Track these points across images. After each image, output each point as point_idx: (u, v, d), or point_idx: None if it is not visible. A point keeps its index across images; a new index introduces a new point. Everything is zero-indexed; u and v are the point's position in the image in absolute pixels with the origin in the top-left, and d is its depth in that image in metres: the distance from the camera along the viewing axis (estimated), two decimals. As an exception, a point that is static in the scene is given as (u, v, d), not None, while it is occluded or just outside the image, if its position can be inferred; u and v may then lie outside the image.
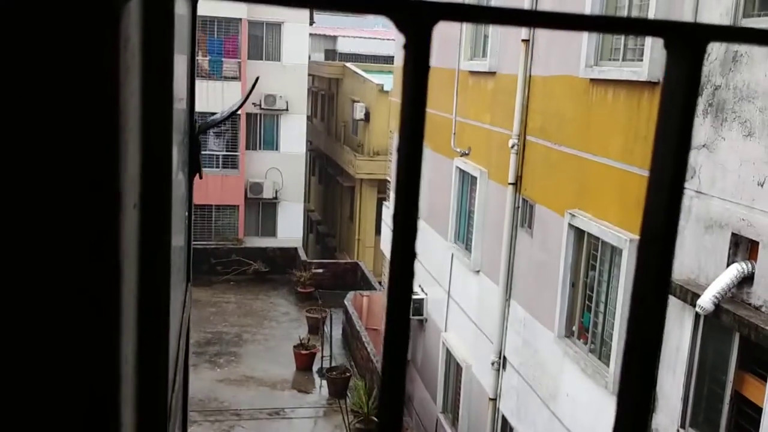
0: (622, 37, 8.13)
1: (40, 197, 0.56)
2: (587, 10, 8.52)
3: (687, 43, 0.43)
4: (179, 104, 1.67)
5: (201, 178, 2.08)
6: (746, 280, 6.05)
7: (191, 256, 2.24)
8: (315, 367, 17.74)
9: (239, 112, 25.03)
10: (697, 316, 6.55)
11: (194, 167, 2.00)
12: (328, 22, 43.91)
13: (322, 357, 17.60)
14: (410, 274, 0.43)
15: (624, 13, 8.11)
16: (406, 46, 0.40)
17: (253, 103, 25.84)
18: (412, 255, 0.43)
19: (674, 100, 0.45)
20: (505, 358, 10.88)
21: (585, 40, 8.54)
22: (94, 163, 0.57)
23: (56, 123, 0.55)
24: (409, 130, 0.42)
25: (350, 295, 19.83)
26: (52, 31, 0.52)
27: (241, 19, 25.24)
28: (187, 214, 2.02)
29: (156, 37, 0.80)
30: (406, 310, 0.44)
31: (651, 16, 7.29)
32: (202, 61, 25.20)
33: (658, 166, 0.46)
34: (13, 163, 0.55)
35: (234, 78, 25.31)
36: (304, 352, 17.64)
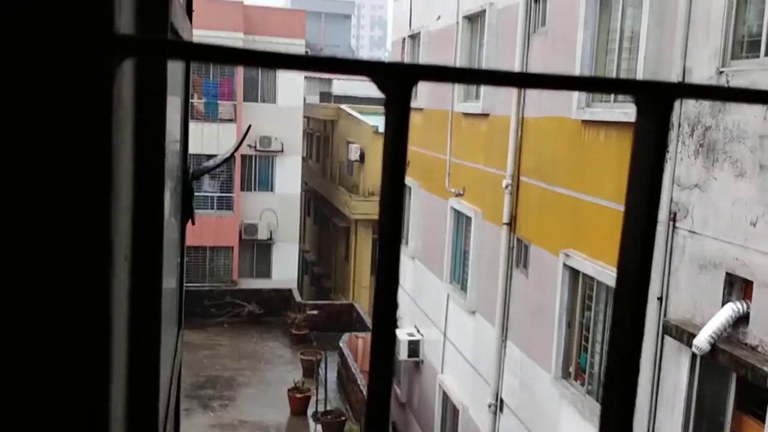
0: (614, 78, 8.24)
1: (31, 252, 0.56)
2: (578, 57, 8.65)
3: (655, 100, 0.44)
4: (172, 150, 1.69)
5: (194, 224, 2.08)
6: (742, 319, 6.03)
7: (183, 301, 2.22)
8: (310, 411, 17.50)
9: (234, 153, 25.14)
10: (693, 356, 6.51)
11: (187, 213, 2.01)
12: (323, 64, 44.37)
13: (317, 400, 17.38)
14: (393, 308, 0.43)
15: (615, 55, 8.24)
16: (386, 105, 0.42)
17: (248, 145, 25.98)
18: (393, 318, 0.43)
19: (644, 156, 0.46)
20: (502, 400, 10.77)
21: (576, 82, 8.66)
22: (84, 218, 0.57)
23: (46, 178, 0.56)
24: (390, 180, 0.43)
25: (345, 336, 19.68)
26: (46, 87, 0.53)
27: (237, 63, 25.50)
28: (179, 260, 2.02)
29: (149, 95, 0.82)
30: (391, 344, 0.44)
31: (641, 58, 7.41)
32: (198, 103, 25.41)
33: (630, 217, 0.47)
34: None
35: (229, 120, 25.51)
36: (298, 395, 17.43)
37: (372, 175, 25.23)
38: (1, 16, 0.50)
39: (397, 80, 0.41)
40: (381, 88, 0.42)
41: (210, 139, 24.63)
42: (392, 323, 0.44)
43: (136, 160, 0.81)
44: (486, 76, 0.43)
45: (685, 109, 6.77)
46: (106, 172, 0.57)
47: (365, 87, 36.28)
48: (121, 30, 0.62)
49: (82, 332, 0.60)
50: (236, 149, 3.72)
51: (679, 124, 6.85)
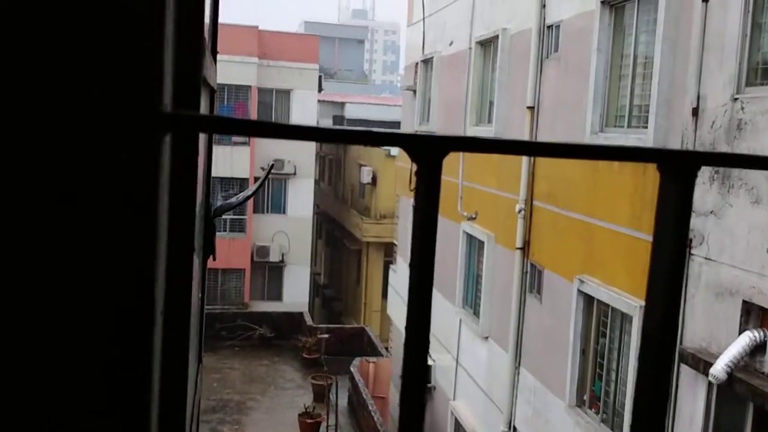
0: (627, 104, 8.23)
1: (85, 321, 0.60)
2: (591, 83, 8.64)
3: (679, 168, 0.42)
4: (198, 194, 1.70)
5: (215, 259, 2.09)
6: (759, 348, 5.94)
7: (203, 334, 2.21)
8: (320, 436, 17.36)
9: (248, 176, 25.29)
10: (710, 385, 6.41)
11: (209, 250, 2.01)
12: (336, 88, 44.78)
13: (328, 426, 17.24)
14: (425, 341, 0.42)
15: (628, 81, 8.22)
16: (417, 173, 0.44)
17: (261, 168, 26.11)
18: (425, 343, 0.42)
19: (667, 220, 0.44)
20: (515, 428, 10.63)
21: (590, 106, 8.65)
22: (132, 280, 0.61)
23: (101, 244, 0.60)
24: (419, 250, 0.43)
25: (356, 361, 19.56)
26: (104, 161, 0.59)
27: (250, 87, 25.77)
28: (200, 294, 2.01)
29: (182, 163, 0.84)
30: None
31: (654, 83, 7.39)
32: (212, 126, 25.62)
33: (653, 287, 0.45)
34: (52, 273, 0.59)
35: (243, 144, 25.68)
36: (309, 420, 17.30)
37: (384, 197, 25.25)
38: (61, 98, 0.56)
39: (428, 151, 0.45)
40: (413, 158, 0.43)
41: (224, 162, 24.78)
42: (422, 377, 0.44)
43: (170, 222, 0.84)
44: (511, 146, 0.43)
45: (700, 134, 6.73)
46: (153, 241, 0.61)
47: (378, 110, 36.47)
48: (164, 101, 0.66)
49: (126, 395, 0.62)
50: (259, 188, 3.76)
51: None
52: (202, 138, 1.70)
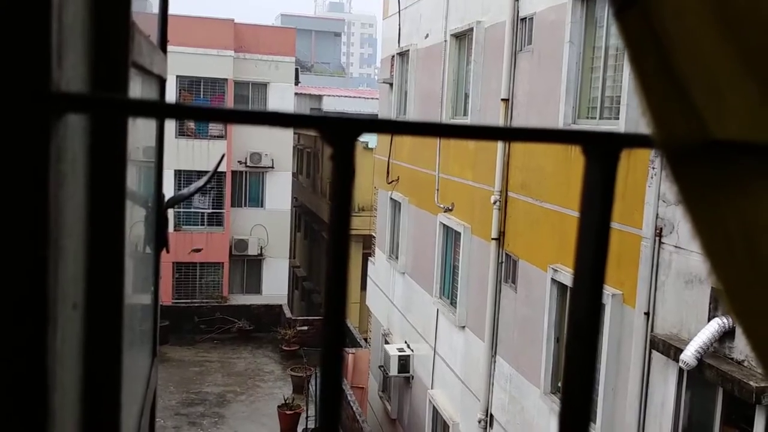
0: (599, 95, 8.35)
1: None
2: (564, 75, 8.75)
3: (603, 150, 0.48)
4: (145, 182, 1.72)
5: (168, 252, 2.12)
6: (728, 334, 6.09)
7: (158, 329, 2.24)
8: (300, 428, 17.41)
9: (225, 169, 25.17)
10: (680, 371, 6.56)
11: (161, 242, 2.03)
12: (313, 81, 44.61)
13: (307, 417, 17.30)
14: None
15: (600, 72, 8.34)
16: (332, 157, 0.46)
17: (239, 161, 26.00)
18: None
19: (592, 202, 0.50)
20: (491, 415, 10.77)
21: (563, 98, 8.76)
22: (20, 266, 0.57)
23: None
24: (336, 227, 0.46)
25: (336, 352, 19.57)
26: None
27: (227, 80, 25.61)
28: (153, 288, 2.04)
29: (105, 148, 0.85)
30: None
31: (626, 75, 7.50)
32: (188, 120, 25.40)
33: (580, 263, 0.51)
34: None
35: (220, 137, 25.53)
36: (288, 412, 17.34)
37: (362, 190, 25.26)
38: None
39: (341, 133, 0.44)
40: (326, 140, 0.45)
41: (201, 156, 24.63)
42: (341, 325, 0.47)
43: (91, 210, 0.83)
44: (423, 128, 0.47)
45: (670, 126, 6.86)
46: (41, 228, 0.57)
47: (355, 103, 36.41)
48: (67, 82, 0.63)
49: (21, 378, 0.58)
50: (210, 179, 3.78)
51: (664, 141, 6.93)
52: (146, 125, 1.71)
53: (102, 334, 0.89)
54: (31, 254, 0.57)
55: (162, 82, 1.99)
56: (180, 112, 0.43)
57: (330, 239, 0.46)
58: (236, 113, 0.42)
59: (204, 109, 0.44)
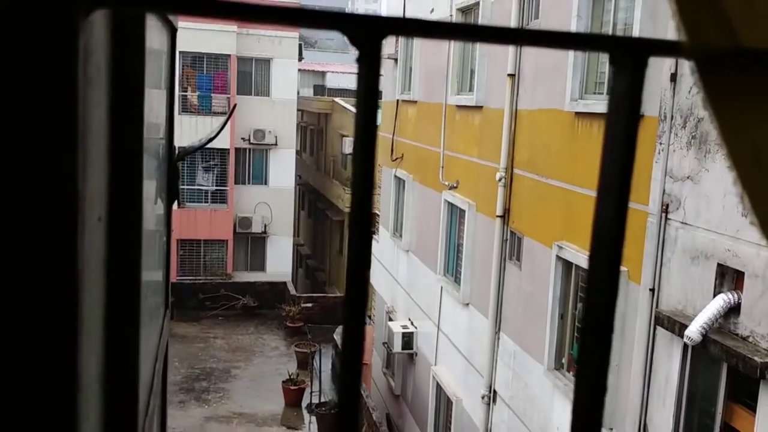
0: (606, 71, 8.26)
1: None
2: (570, 66, 8.64)
3: (630, 56, 0.45)
4: (156, 131, 1.69)
5: (180, 206, 2.10)
6: (733, 310, 6.07)
7: (170, 284, 2.23)
8: (304, 403, 17.55)
9: (228, 146, 25.11)
10: (685, 346, 6.55)
11: (173, 194, 2.01)
12: (317, 57, 44.34)
13: (311, 392, 17.42)
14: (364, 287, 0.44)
15: (607, 57, 8.24)
16: (358, 60, 0.43)
17: (242, 138, 25.94)
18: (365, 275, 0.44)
19: (619, 112, 0.47)
20: (495, 391, 10.81)
21: (570, 74, 8.67)
22: (50, 171, 0.56)
23: (7, 130, 0.55)
24: (362, 136, 0.44)
25: (339, 329, 19.70)
26: (6, 42, 0.53)
27: (230, 56, 25.47)
28: (165, 239, 2.02)
29: (126, 56, 0.82)
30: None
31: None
32: (192, 96, 25.33)
33: (606, 173, 0.48)
34: None
35: (223, 113, 25.43)
36: (293, 387, 17.46)
37: (366, 168, 25.23)
38: None
39: (368, 33, 0.42)
40: (352, 41, 0.42)
41: (204, 132, 24.54)
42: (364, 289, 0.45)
43: (112, 116, 0.81)
44: (455, 30, 0.44)
45: (678, 100, 6.79)
46: (71, 122, 0.56)
47: (359, 80, 36.21)
48: None
49: (50, 286, 0.58)
50: (221, 129, 3.74)
51: (672, 116, 6.87)
52: (161, 62, 1.68)
53: (123, 249, 0.88)
54: (60, 159, 0.55)
55: (174, 32, 1.96)
56: (208, 5, 0.39)
57: (355, 145, 0.43)
58: (252, 9, 0.39)
59: (225, 4, 0.41)
